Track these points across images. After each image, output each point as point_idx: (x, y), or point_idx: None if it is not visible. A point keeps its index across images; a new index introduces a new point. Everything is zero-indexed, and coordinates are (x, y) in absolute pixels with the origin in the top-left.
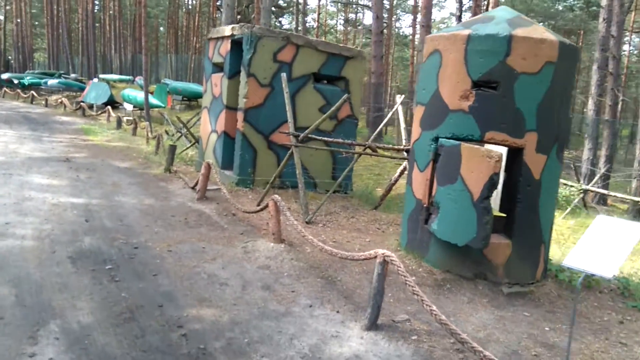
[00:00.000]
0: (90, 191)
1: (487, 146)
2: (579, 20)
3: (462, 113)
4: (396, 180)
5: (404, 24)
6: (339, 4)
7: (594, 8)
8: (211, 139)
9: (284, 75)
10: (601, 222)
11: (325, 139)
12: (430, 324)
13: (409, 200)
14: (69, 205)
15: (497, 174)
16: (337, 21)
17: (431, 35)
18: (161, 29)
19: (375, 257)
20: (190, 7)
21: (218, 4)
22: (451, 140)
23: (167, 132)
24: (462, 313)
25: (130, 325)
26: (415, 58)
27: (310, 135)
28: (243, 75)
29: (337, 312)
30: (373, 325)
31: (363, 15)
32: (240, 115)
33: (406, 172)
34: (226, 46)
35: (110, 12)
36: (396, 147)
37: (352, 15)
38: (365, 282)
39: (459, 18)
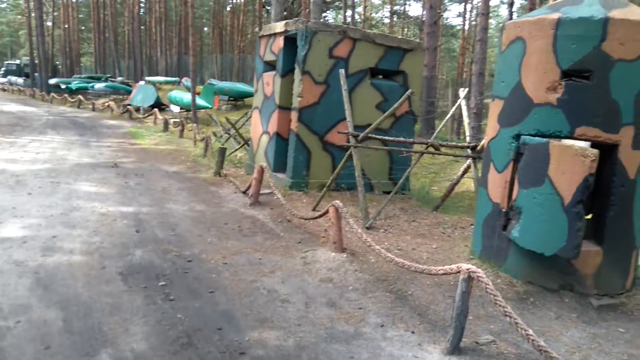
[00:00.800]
0: (139, 198)
1: (575, 143)
2: None
3: (550, 107)
4: (458, 180)
5: (451, 14)
6: None
7: None
8: (262, 141)
9: (342, 71)
10: None
11: (384, 137)
12: (519, 346)
13: (484, 204)
14: (119, 215)
15: (592, 175)
16: (382, 14)
17: (513, 21)
18: (205, 29)
19: (458, 272)
20: (234, 5)
21: (265, 0)
22: (537, 138)
23: (214, 134)
24: (552, 331)
25: (188, 352)
26: (471, 48)
27: (370, 135)
28: (297, 73)
29: (412, 332)
30: (456, 349)
31: (409, 6)
32: (294, 115)
33: (470, 171)
34: (279, 43)
35: (156, 14)
36: (460, 144)
37: (397, 7)
38: (439, 296)
39: (511, 4)
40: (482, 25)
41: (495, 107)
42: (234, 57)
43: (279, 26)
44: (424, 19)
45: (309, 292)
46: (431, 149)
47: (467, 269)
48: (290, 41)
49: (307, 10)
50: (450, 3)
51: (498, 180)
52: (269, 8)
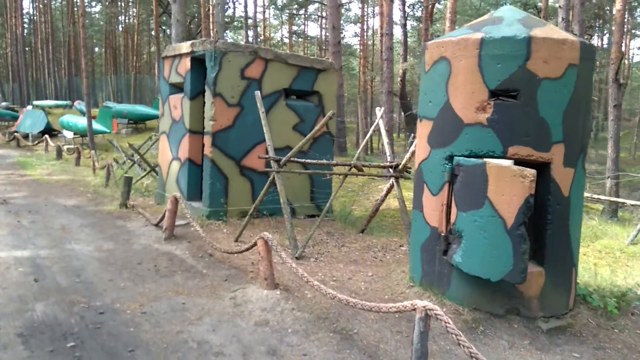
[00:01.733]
0: (35, 240)
1: (504, 162)
2: None
3: (480, 127)
4: (383, 200)
5: (347, 34)
6: (282, 16)
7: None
8: (173, 168)
9: (258, 93)
10: None
11: (307, 160)
12: None
13: (421, 228)
14: (12, 261)
15: (532, 196)
16: (281, 34)
17: (435, 41)
18: (96, 49)
19: (414, 309)
20: (127, 24)
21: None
22: (472, 159)
23: (116, 161)
24: None
25: None
26: (370, 66)
27: (292, 158)
28: (208, 95)
29: None
30: None
31: (307, 27)
32: (207, 140)
33: (393, 190)
34: (185, 64)
35: (42, 35)
36: (382, 164)
37: (295, 28)
38: (387, 332)
39: (404, 26)
40: (387, 44)
41: (424, 128)
42: (129, 78)
43: (185, 47)
44: (325, 39)
45: (245, 340)
46: (354, 170)
47: (424, 307)
48: (198, 62)
49: (207, 30)
50: (347, 23)
51: (434, 203)
52: (165, 28)
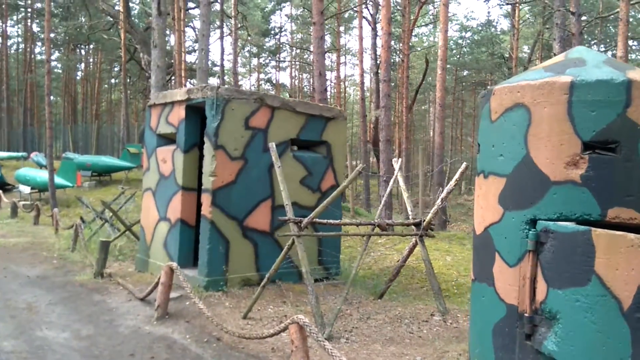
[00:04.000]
0: None
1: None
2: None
3: (572, 185)
4: (405, 261)
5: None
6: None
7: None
8: (160, 230)
9: (273, 145)
10: None
11: (329, 221)
12: None
13: (491, 306)
14: None
15: None
16: (250, 82)
17: (506, 86)
18: (52, 97)
19: None
20: (88, 72)
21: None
22: (568, 225)
23: (82, 219)
24: None
25: None
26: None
27: (315, 220)
28: (208, 148)
29: None
30: None
31: (278, 74)
32: (206, 198)
33: (418, 250)
34: (179, 113)
35: None
36: (407, 222)
37: (262, 75)
38: None
39: (376, 74)
40: (384, 92)
41: (491, 185)
42: (88, 127)
43: (179, 93)
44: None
45: None
46: (377, 230)
47: None
48: (194, 111)
49: (180, 78)
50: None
51: (510, 276)
52: (129, 75)
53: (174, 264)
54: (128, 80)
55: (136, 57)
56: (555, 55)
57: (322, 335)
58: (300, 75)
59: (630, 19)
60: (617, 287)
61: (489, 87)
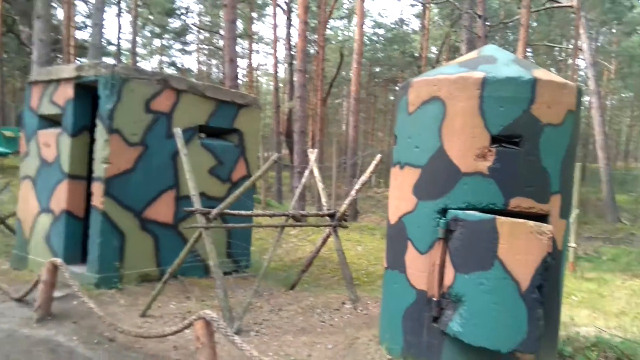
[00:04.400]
0: None
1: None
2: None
3: (481, 176)
4: (318, 252)
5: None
6: (151, 45)
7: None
8: (41, 223)
9: (179, 131)
10: None
11: (240, 212)
12: None
13: (402, 292)
14: None
15: (550, 255)
16: (151, 65)
17: (423, 79)
18: None
19: None
20: None
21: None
22: (475, 214)
23: None
24: None
25: None
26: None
27: (226, 210)
28: (101, 132)
29: None
30: None
31: (181, 59)
32: (98, 188)
33: (331, 240)
34: (66, 92)
35: None
36: (321, 213)
37: (165, 58)
38: None
39: (290, 65)
40: (300, 81)
41: (406, 176)
42: None
43: (67, 70)
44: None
45: None
46: (291, 221)
47: None
48: (85, 90)
49: (68, 55)
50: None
51: (422, 263)
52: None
53: (58, 260)
54: (5, 55)
55: (15, 29)
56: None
57: (231, 329)
58: (209, 61)
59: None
60: (516, 270)
61: (401, 83)
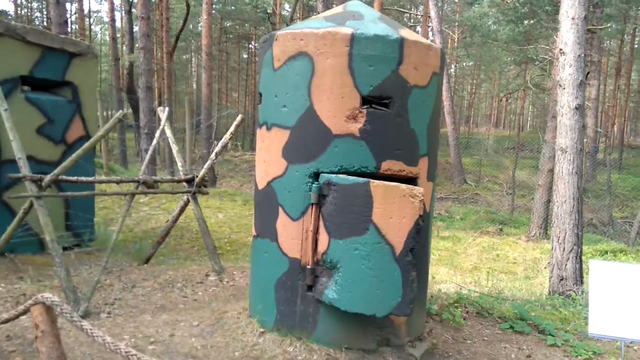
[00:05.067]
0: None
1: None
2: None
3: (352, 138)
4: (175, 221)
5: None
6: None
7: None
8: None
9: None
10: (599, 270)
11: (79, 178)
12: None
13: (273, 261)
14: None
15: (421, 217)
16: None
17: (288, 32)
18: None
19: None
20: None
21: None
22: (349, 177)
23: None
24: None
25: None
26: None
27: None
28: None
29: None
30: None
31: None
32: None
33: (191, 209)
34: None
35: None
36: (178, 179)
37: None
38: None
39: (129, 12)
40: (143, 31)
41: (275, 138)
42: None
43: None
44: (30, 16)
45: None
46: (143, 188)
47: None
48: None
49: None
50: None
51: (294, 230)
52: None
53: None
54: None
55: None
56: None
57: (77, 312)
58: (29, 4)
59: None
60: (391, 234)
61: (262, 38)
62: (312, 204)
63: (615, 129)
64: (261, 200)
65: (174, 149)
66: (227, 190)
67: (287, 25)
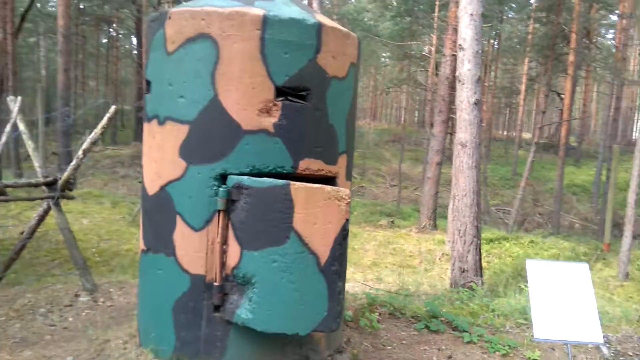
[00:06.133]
0: None
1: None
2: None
3: (265, 135)
4: (33, 232)
5: None
6: None
7: None
8: None
9: None
10: (536, 270)
11: None
12: None
13: (172, 279)
14: None
15: (348, 222)
16: None
17: (190, 10)
18: None
19: None
20: None
21: None
22: (266, 179)
23: None
24: None
25: None
26: None
27: None
28: None
29: None
30: None
31: None
32: None
33: (53, 218)
34: None
35: None
36: (36, 182)
37: None
38: None
39: None
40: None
41: (171, 134)
42: None
43: None
44: None
45: None
46: None
47: None
48: None
49: None
50: None
51: (196, 242)
52: None
53: None
54: None
55: None
56: None
57: None
58: None
59: None
60: (315, 242)
61: (153, 14)
62: (219, 210)
63: (484, 123)
64: (152, 208)
65: (30, 146)
66: (91, 191)
67: (155, 8)
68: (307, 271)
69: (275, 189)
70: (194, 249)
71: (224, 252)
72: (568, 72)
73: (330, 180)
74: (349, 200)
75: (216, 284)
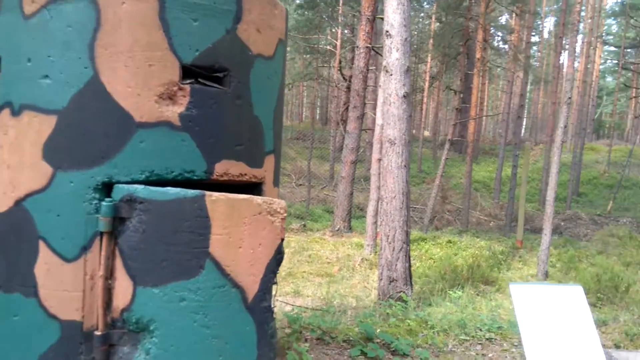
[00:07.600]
0: None
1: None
2: None
3: (168, 129)
4: None
5: None
6: None
7: None
8: None
9: None
10: (521, 294)
11: None
12: None
13: (35, 328)
14: None
15: (282, 242)
16: None
17: None
18: None
19: None
20: None
21: None
22: (170, 189)
23: None
24: None
25: None
26: None
27: None
28: None
29: None
30: None
31: None
32: None
33: None
34: None
35: None
36: None
37: None
38: None
39: None
40: None
41: (27, 129)
42: None
43: None
44: None
45: None
46: None
47: None
48: None
49: None
50: None
51: (69, 277)
52: None
53: None
54: None
55: None
56: None
57: None
58: None
59: None
60: (239, 271)
61: None
62: (102, 232)
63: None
64: (4, 231)
65: None
66: None
67: None
68: (228, 311)
69: (184, 201)
70: (65, 286)
71: (109, 290)
72: (475, 69)
73: (255, 187)
74: (284, 214)
75: (98, 332)
